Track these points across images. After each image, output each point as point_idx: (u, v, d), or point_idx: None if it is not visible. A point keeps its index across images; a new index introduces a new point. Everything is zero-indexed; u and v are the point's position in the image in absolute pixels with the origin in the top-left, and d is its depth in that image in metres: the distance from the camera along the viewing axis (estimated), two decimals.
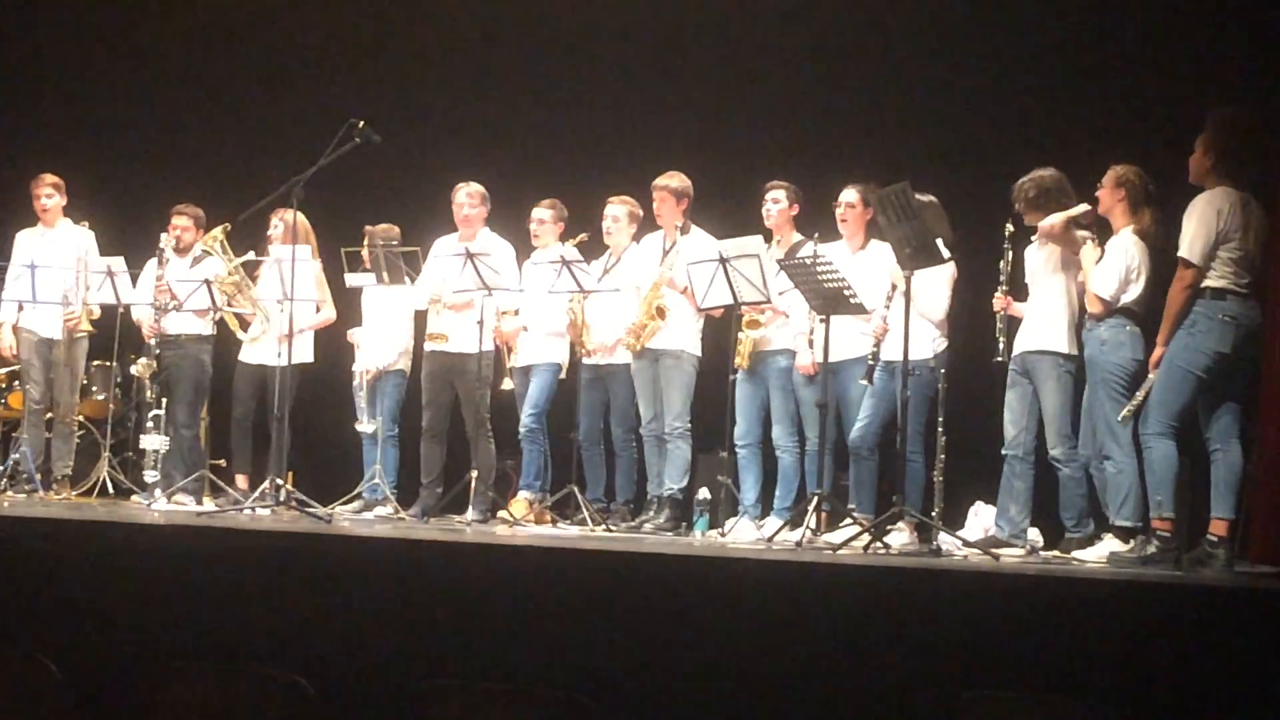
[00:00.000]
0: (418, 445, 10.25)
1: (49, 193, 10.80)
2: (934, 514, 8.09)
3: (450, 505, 9.96)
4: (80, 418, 10.97)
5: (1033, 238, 8.32)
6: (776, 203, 9.46)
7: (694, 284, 9.10)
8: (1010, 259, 8.27)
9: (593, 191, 10.26)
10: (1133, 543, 7.60)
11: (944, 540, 7.80)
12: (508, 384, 10.20)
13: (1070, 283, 8.18)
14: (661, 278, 9.55)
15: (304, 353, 10.39)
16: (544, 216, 10.20)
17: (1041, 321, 8.21)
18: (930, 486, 8.37)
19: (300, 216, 9.96)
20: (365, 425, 10.38)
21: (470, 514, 9.47)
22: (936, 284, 8.54)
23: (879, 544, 7.87)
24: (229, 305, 10.43)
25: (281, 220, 10.27)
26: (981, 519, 8.71)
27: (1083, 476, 8.12)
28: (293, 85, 12.60)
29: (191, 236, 10.67)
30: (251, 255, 10.49)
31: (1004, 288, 8.25)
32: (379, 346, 10.48)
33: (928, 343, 8.51)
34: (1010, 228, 8.23)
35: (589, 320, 9.87)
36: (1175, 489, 7.42)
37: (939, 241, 7.90)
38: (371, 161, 9.66)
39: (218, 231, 10.33)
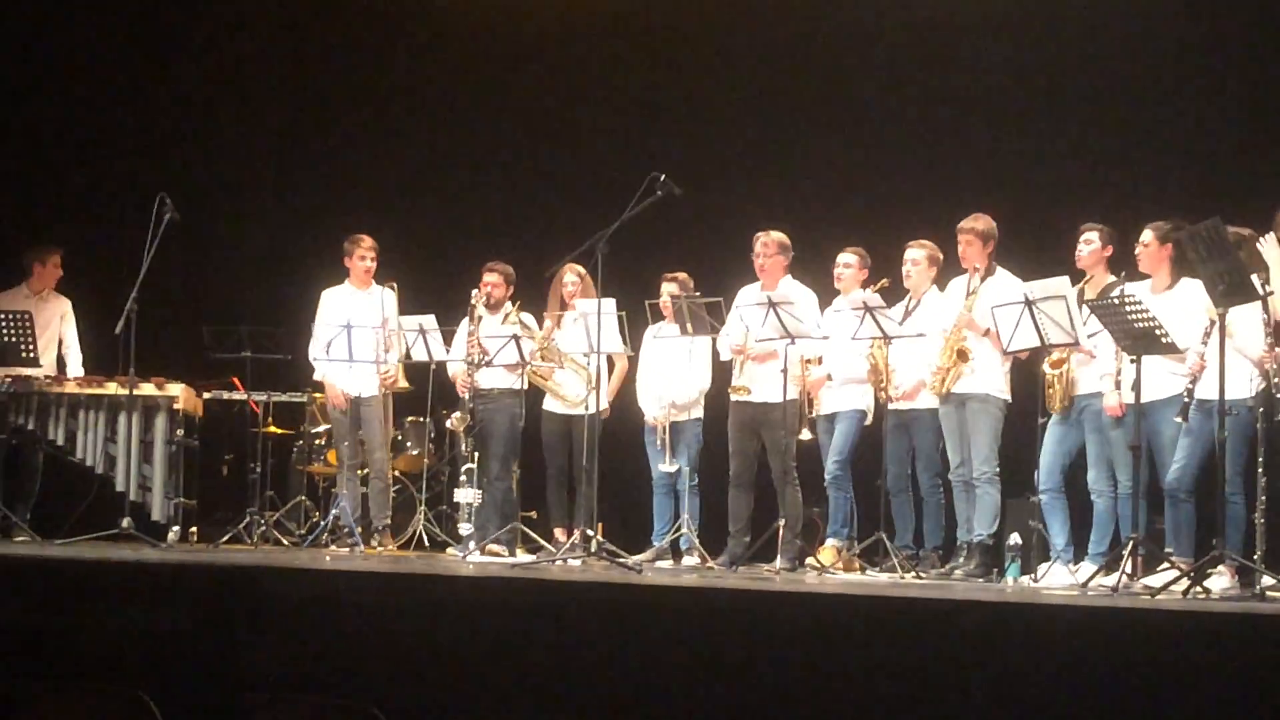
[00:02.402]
0: (717, 493, 10.30)
1: (372, 255, 11.06)
2: (1256, 557, 7.83)
3: (758, 554, 9.99)
4: (395, 472, 11.26)
5: None
6: (1089, 244, 9.30)
7: (999, 326, 8.98)
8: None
9: (890, 236, 10.22)
10: None
11: (1268, 583, 7.54)
12: (805, 434, 10.16)
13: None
14: (961, 319, 9.46)
15: (601, 400, 10.37)
16: (850, 261, 10.15)
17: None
18: (1251, 528, 8.11)
19: (580, 269, 10.21)
20: (667, 465, 10.48)
21: (779, 562, 9.49)
22: (1254, 321, 8.27)
23: (1199, 588, 7.68)
24: (541, 360, 10.63)
25: (579, 276, 10.49)
26: None
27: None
28: (594, 141, 12.87)
29: (502, 293, 10.86)
30: (549, 324, 10.68)
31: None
32: (673, 391, 10.55)
33: (1245, 381, 8.25)
34: None
35: (891, 365, 9.81)
36: None
37: (1255, 277, 7.68)
38: (673, 213, 9.75)
39: (514, 315, 10.60)
